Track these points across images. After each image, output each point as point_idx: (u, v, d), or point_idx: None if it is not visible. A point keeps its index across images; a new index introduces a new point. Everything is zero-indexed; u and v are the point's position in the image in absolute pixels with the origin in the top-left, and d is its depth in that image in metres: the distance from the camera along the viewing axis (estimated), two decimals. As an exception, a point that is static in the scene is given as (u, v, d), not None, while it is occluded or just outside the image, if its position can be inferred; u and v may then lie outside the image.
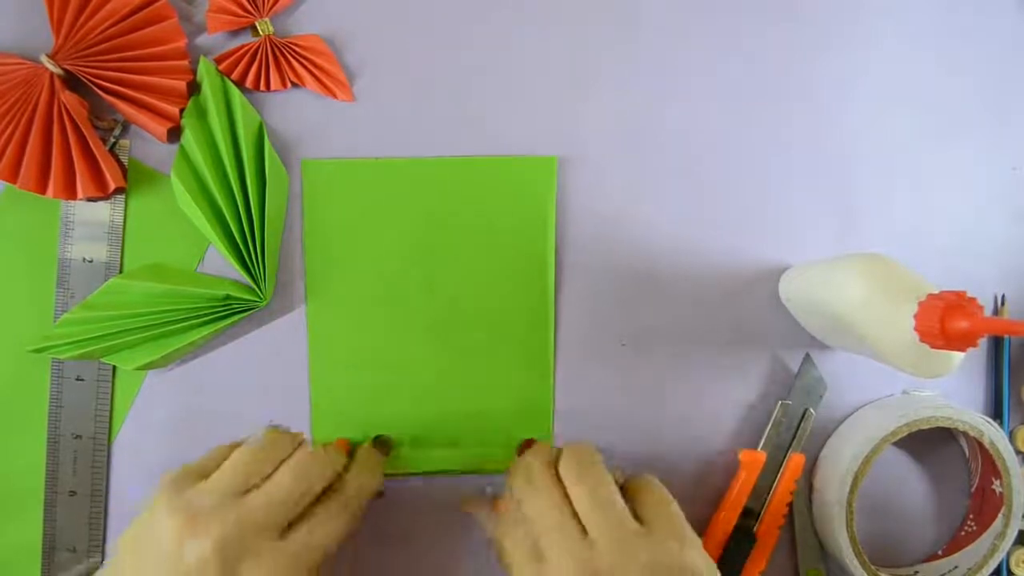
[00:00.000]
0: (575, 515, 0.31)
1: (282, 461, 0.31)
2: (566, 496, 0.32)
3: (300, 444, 0.33)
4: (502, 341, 0.39)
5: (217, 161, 0.37)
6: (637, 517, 0.31)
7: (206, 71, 0.38)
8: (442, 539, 0.40)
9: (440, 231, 0.39)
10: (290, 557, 0.29)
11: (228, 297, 0.37)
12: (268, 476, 0.31)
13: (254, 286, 0.38)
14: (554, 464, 0.33)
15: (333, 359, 0.39)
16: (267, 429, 0.33)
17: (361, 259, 0.39)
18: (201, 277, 0.38)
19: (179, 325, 0.37)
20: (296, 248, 0.39)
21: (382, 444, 0.38)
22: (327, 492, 0.32)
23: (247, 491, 0.30)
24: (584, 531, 0.31)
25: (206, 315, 0.37)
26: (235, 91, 0.38)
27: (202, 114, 0.38)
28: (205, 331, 0.37)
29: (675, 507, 0.32)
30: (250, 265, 0.37)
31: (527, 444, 0.38)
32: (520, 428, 0.39)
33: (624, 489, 0.33)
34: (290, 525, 0.30)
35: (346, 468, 0.34)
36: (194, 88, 0.38)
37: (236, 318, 0.38)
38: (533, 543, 0.31)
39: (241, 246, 0.37)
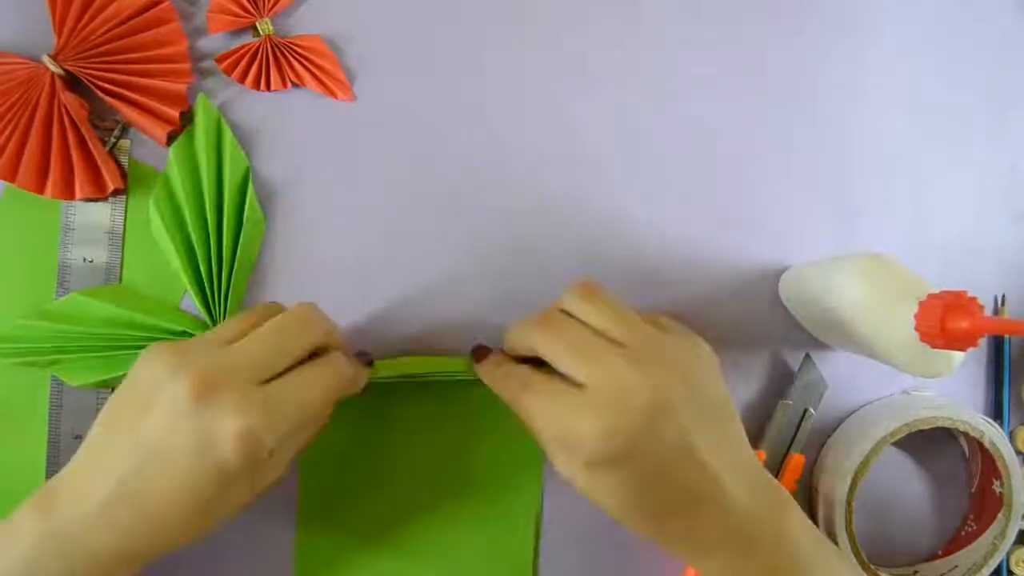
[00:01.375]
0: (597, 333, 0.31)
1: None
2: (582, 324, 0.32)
3: (326, 343, 0.33)
4: None
5: (198, 197, 0.38)
6: None
7: (203, 106, 0.38)
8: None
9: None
10: (259, 403, 0.29)
11: (185, 333, 0.37)
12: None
13: (211, 327, 0.38)
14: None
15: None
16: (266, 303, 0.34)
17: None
18: (163, 309, 0.38)
19: (130, 352, 0.37)
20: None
21: (363, 354, 0.38)
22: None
23: (268, 380, 0.30)
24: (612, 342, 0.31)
25: None
26: (227, 131, 0.38)
27: (191, 147, 0.38)
28: None
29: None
30: (212, 306, 0.38)
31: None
32: None
33: None
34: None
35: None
36: (188, 119, 0.38)
37: None
38: (560, 378, 0.31)
39: (207, 286, 0.38)
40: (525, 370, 0.33)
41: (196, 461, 0.29)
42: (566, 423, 0.29)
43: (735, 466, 0.31)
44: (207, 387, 0.28)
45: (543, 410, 0.31)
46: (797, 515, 0.32)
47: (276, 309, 0.34)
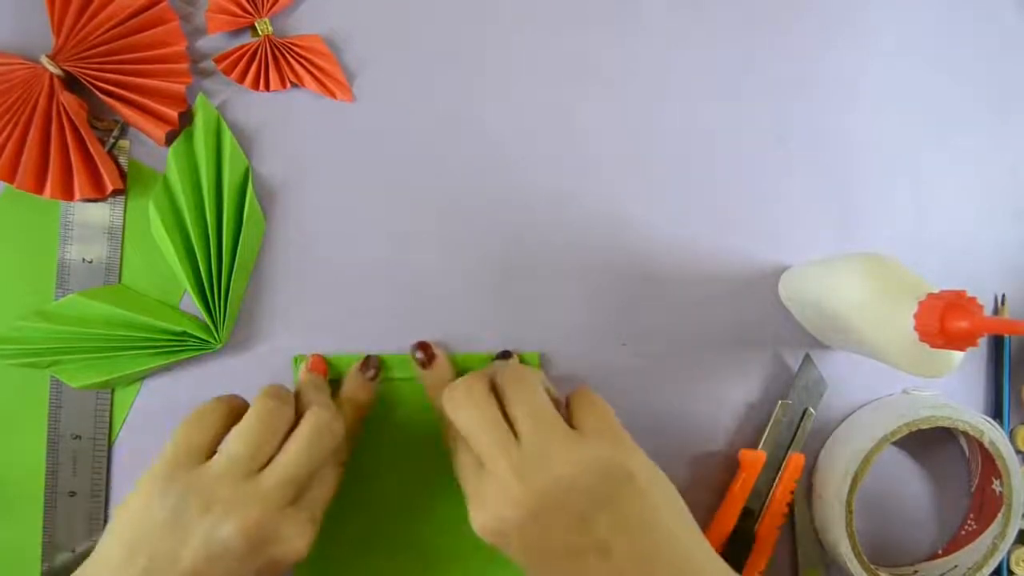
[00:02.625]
0: (510, 425, 0.32)
1: (288, 430, 0.32)
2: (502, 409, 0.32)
3: (306, 413, 0.33)
4: None
5: (198, 198, 0.38)
6: (574, 427, 0.32)
7: (202, 106, 0.38)
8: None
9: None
10: (306, 523, 0.31)
11: (184, 334, 0.37)
12: (277, 448, 0.31)
13: (211, 327, 0.38)
14: (491, 380, 0.34)
15: None
16: (262, 395, 0.32)
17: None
18: (163, 309, 0.38)
19: (129, 353, 0.37)
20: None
21: (368, 363, 0.38)
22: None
23: (259, 469, 0.30)
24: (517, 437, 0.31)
25: (158, 347, 0.37)
26: (227, 132, 0.38)
27: (191, 147, 0.38)
28: (153, 363, 0.37)
29: (612, 416, 0.33)
30: (212, 306, 0.38)
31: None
32: None
33: (567, 406, 0.34)
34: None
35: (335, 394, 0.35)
36: (187, 119, 0.38)
37: (186, 355, 0.38)
38: (476, 454, 0.32)
39: (207, 286, 0.37)
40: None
41: (204, 564, 0.29)
42: (469, 500, 0.32)
43: (669, 563, 0.30)
44: (261, 537, 0.29)
45: (462, 479, 0.33)
46: None
47: (283, 407, 0.32)
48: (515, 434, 0.31)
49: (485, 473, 0.31)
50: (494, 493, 0.30)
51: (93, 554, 0.30)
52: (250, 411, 0.32)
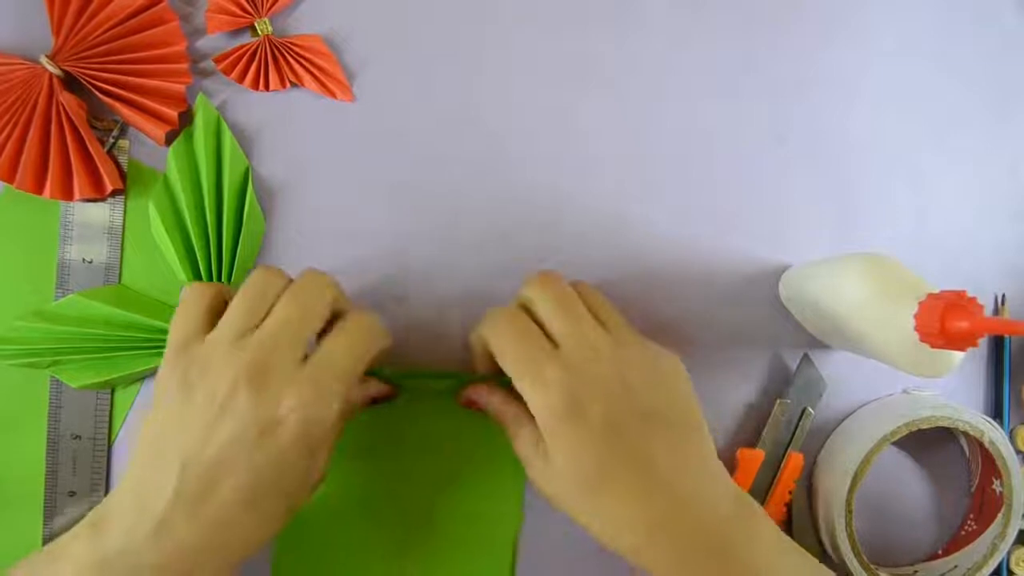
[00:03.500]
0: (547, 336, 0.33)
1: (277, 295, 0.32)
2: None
3: (340, 305, 0.33)
4: None
5: (198, 198, 0.38)
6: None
7: (202, 106, 0.38)
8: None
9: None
10: (309, 380, 0.30)
11: None
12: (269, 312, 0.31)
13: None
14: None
15: None
16: (255, 270, 0.33)
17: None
18: (163, 309, 0.38)
19: (129, 353, 0.37)
20: None
21: (382, 394, 0.37)
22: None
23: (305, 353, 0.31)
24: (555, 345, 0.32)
25: (158, 347, 0.37)
26: (227, 132, 0.38)
27: (191, 147, 0.38)
28: (153, 363, 0.37)
29: (617, 314, 0.35)
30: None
31: None
32: None
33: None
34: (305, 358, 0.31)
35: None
36: (187, 119, 0.38)
37: None
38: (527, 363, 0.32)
39: None
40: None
41: (257, 450, 0.29)
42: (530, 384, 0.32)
43: (697, 476, 0.31)
44: (259, 374, 0.29)
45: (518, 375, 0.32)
46: (767, 527, 0.32)
47: (274, 277, 0.33)
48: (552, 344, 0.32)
49: (533, 385, 0.31)
50: (535, 411, 0.31)
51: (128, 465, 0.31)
52: (243, 284, 0.32)
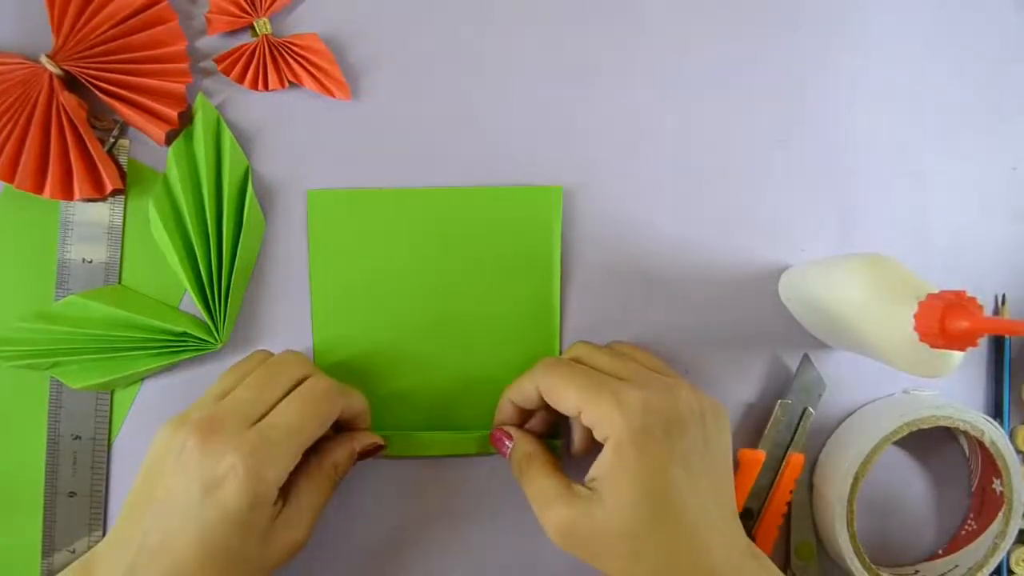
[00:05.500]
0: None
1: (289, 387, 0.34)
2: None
3: (306, 375, 0.35)
4: (510, 368, 0.39)
5: (198, 198, 0.38)
6: None
7: (202, 106, 0.38)
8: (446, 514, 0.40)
9: (447, 259, 0.39)
10: (251, 440, 0.31)
11: (185, 334, 0.37)
12: (277, 401, 0.33)
13: (212, 327, 0.38)
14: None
15: None
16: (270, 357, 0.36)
17: (368, 289, 0.39)
18: (163, 309, 0.38)
19: (130, 353, 0.37)
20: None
21: (368, 449, 0.37)
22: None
23: (259, 419, 0.32)
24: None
25: (158, 348, 0.37)
26: (227, 131, 0.38)
27: (190, 147, 0.38)
28: (153, 363, 0.37)
29: (664, 364, 0.37)
30: (212, 306, 0.38)
31: None
32: None
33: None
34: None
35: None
36: (187, 119, 0.38)
37: (186, 355, 0.38)
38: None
39: (207, 286, 0.37)
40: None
41: (203, 507, 0.30)
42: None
43: (719, 525, 0.32)
44: (205, 434, 0.30)
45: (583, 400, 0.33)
46: None
47: (263, 357, 0.37)
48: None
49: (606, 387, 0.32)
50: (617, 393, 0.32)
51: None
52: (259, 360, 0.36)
